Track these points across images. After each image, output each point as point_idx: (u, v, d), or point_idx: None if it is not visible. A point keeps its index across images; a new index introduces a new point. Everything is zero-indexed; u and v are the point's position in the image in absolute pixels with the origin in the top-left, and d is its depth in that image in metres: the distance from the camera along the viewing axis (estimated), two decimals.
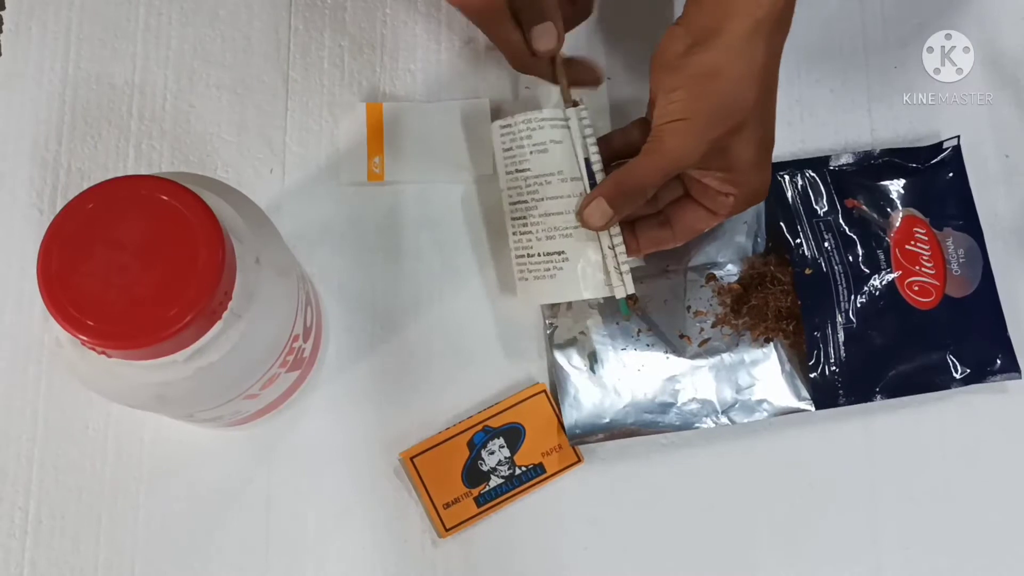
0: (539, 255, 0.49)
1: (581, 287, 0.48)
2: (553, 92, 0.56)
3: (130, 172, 0.55)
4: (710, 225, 0.50)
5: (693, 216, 0.49)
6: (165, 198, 0.36)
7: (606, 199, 0.47)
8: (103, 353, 0.35)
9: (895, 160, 0.56)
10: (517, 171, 0.49)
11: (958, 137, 0.56)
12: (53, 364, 0.52)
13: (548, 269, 0.49)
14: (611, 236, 0.48)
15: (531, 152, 0.49)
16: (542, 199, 0.48)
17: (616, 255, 0.48)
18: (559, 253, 0.48)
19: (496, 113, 0.56)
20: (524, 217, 0.49)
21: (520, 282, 0.50)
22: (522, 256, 0.49)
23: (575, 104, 0.49)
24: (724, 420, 0.52)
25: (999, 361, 0.54)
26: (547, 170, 0.49)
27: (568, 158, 0.48)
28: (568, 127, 0.49)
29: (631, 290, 0.48)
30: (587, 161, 0.48)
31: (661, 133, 0.45)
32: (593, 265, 0.48)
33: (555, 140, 0.49)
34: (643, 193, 0.47)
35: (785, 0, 0.44)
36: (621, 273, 0.48)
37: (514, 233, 0.50)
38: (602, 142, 0.50)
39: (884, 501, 0.53)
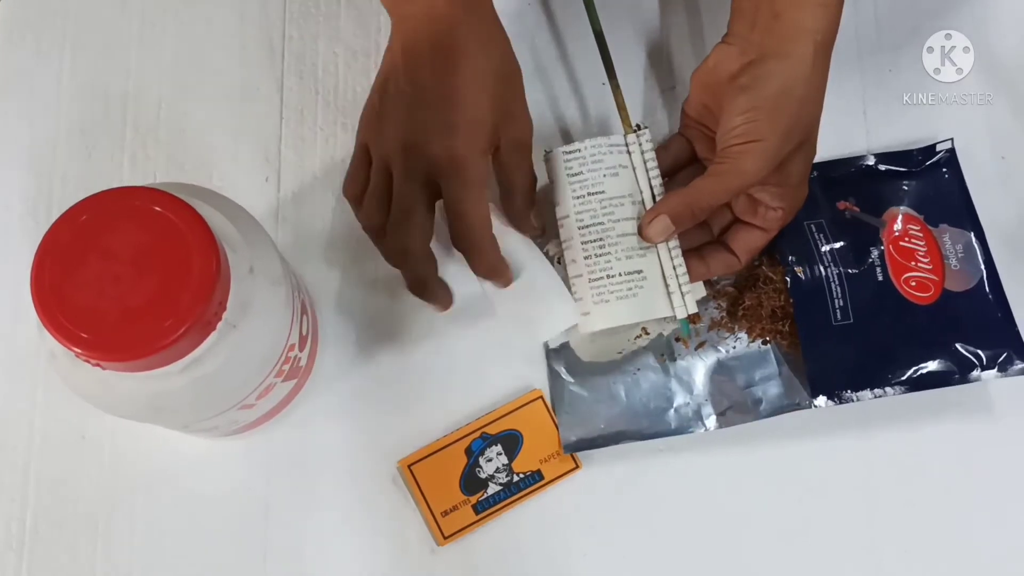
0: (619, 275, 0.50)
1: (664, 304, 0.51)
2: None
3: (125, 182, 0.55)
4: (764, 242, 0.52)
5: (748, 237, 0.51)
6: (158, 209, 0.36)
7: (670, 216, 0.49)
8: (97, 365, 0.35)
9: (888, 163, 0.56)
10: (590, 194, 0.51)
11: (951, 140, 0.56)
12: (49, 375, 0.52)
13: (630, 288, 0.50)
14: (673, 258, 0.50)
15: (604, 175, 0.51)
16: (619, 220, 0.50)
17: (678, 276, 0.50)
18: (638, 272, 0.50)
19: None
20: (601, 239, 0.50)
21: (599, 305, 0.50)
22: (600, 278, 0.50)
23: (637, 129, 0.51)
24: (721, 423, 0.52)
25: (1006, 354, 0.52)
26: (621, 192, 0.51)
27: (633, 181, 0.51)
28: (630, 152, 0.51)
29: (693, 309, 0.51)
30: (650, 183, 0.51)
31: (734, 154, 0.47)
32: (664, 284, 0.51)
33: (623, 165, 0.51)
34: (710, 212, 0.49)
35: (837, 22, 0.47)
36: (683, 294, 0.51)
37: (588, 256, 0.51)
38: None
39: (882, 504, 0.53)
